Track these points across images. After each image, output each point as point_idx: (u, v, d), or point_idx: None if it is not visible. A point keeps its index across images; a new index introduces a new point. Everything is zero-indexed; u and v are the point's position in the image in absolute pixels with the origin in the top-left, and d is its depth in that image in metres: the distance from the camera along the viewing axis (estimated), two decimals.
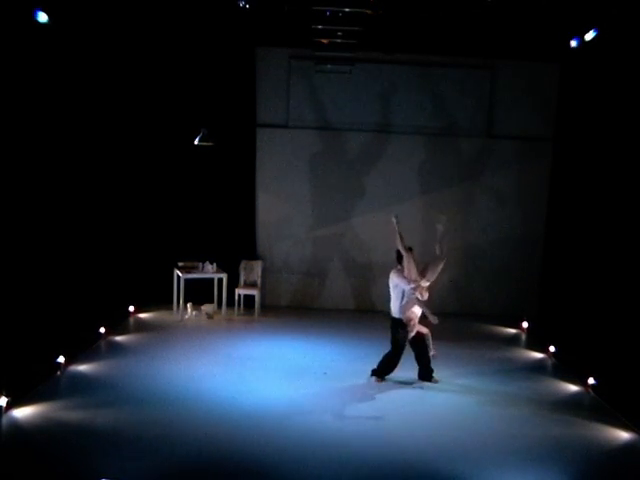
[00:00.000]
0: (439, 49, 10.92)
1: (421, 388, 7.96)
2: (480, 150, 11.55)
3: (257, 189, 11.57)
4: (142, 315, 10.76)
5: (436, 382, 8.09)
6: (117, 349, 9.03)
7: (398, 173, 11.58)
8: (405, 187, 11.61)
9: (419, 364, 8.14)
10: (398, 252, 8.04)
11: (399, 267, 8.01)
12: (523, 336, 10.52)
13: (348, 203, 11.66)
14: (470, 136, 11.52)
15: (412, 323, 7.88)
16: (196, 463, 5.87)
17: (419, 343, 8.04)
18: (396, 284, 7.92)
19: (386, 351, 8.10)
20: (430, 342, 8.04)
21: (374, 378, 8.10)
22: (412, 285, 7.79)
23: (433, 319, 7.72)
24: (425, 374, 8.12)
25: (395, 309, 7.96)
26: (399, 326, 7.92)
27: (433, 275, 7.98)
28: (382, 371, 8.10)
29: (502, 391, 7.98)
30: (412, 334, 7.94)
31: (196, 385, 7.72)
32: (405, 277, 7.86)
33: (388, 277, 8.09)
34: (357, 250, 11.76)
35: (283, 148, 11.52)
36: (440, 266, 8.03)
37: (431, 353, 8.06)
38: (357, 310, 11.62)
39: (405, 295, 7.83)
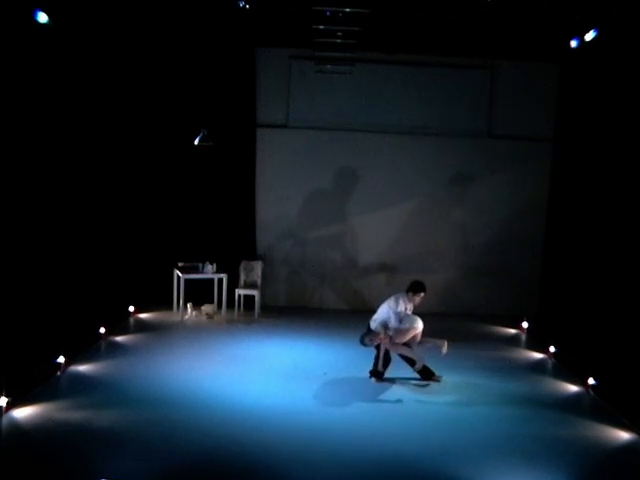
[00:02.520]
0: (439, 49, 10.93)
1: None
2: (480, 150, 11.56)
3: (257, 189, 11.58)
4: (142, 315, 10.77)
5: (438, 380, 8.09)
6: (117, 349, 9.03)
7: (398, 173, 11.59)
8: (405, 187, 11.62)
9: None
10: (413, 284, 8.08)
11: (403, 297, 8.03)
12: (523, 336, 10.52)
13: (348, 203, 11.67)
14: (470, 136, 11.52)
15: (379, 337, 7.90)
16: (196, 463, 5.86)
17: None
18: (388, 309, 7.96)
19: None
20: (386, 362, 8.08)
21: (373, 379, 8.10)
22: (396, 318, 7.86)
23: (380, 366, 8.02)
24: (425, 375, 8.12)
25: (376, 322, 8.02)
26: (369, 329, 8.05)
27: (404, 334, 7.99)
28: (377, 371, 8.10)
29: (502, 391, 7.97)
30: (372, 343, 7.97)
31: (196, 385, 7.71)
32: (399, 312, 7.92)
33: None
34: (357, 250, 11.77)
35: (283, 148, 11.53)
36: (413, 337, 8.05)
37: (380, 365, 8.07)
38: (357, 310, 11.60)
39: (390, 321, 7.89)
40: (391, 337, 7.90)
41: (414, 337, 7.99)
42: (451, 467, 5.96)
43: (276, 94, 11.40)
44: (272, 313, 11.22)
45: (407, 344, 8.00)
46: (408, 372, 8.17)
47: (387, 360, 8.11)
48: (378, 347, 8.04)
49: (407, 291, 8.10)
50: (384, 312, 8.01)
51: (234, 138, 11.25)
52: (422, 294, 8.07)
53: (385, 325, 7.91)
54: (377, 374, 8.11)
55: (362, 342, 8.06)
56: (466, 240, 11.73)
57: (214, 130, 10.42)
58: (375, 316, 8.09)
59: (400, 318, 7.88)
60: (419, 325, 7.94)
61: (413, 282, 8.16)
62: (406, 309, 8.01)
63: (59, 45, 8.27)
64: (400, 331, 7.87)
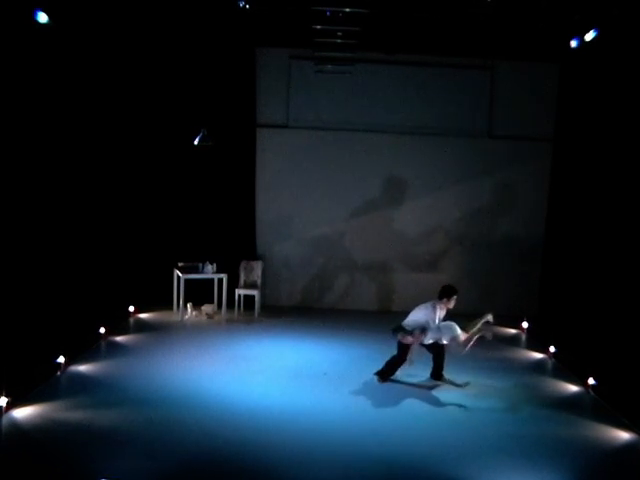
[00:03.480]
0: (439, 49, 10.93)
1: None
2: (480, 150, 11.56)
3: (257, 189, 11.58)
4: (142, 315, 10.77)
5: (445, 381, 8.11)
6: (117, 349, 9.03)
7: (398, 173, 11.60)
8: (405, 187, 11.63)
9: (434, 364, 8.19)
10: (445, 290, 8.07)
11: (439, 304, 8.01)
12: (523, 336, 10.52)
13: (348, 203, 11.67)
14: (470, 136, 11.53)
15: (411, 338, 7.89)
16: (196, 463, 5.86)
17: (434, 346, 8.08)
18: (424, 317, 7.95)
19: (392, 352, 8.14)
20: (400, 364, 8.07)
21: (376, 378, 8.08)
22: (435, 327, 7.89)
23: (409, 361, 7.97)
24: (437, 374, 8.17)
25: (410, 327, 7.98)
26: (403, 330, 7.97)
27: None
28: (384, 372, 8.10)
29: (502, 391, 7.97)
30: (402, 339, 7.94)
31: (196, 385, 7.71)
32: (437, 320, 7.94)
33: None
34: (357, 250, 11.77)
35: (283, 148, 11.54)
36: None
37: (408, 357, 8.06)
38: (357, 310, 11.61)
39: (429, 324, 7.89)
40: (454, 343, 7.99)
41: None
42: (451, 467, 5.96)
43: (276, 94, 11.40)
44: (272, 313, 11.23)
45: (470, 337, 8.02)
46: (409, 373, 8.18)
47: (395, 368, 8.08)
48: (400, 348, 8.01)
49: (440, 297, 8.06)
50: (419, 318, 7.96)
51: (234, 138, 11.26)
52: (455, 296, 8.06)
53: (423, 330, 7.87)
54: (382, 374, 8.09)
55: (394, 333, 8.01)
56: (466, 240, 11.73)
57: (214, 130, 10.43)
58: (407, 321, 8.02)
59: (438, 327, 7.88)
60: (458, 331, 7.95)
61: (444, 287, 8.14)
62: (441, 316, 8.02)
63: (59, 45, 8.26)
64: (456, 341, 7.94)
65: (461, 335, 7.94)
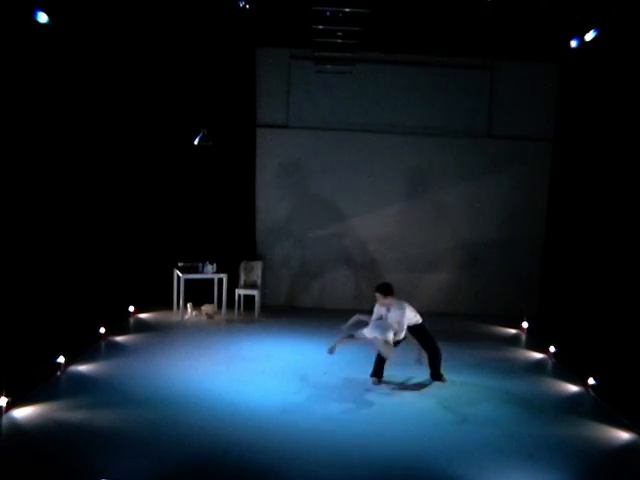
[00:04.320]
0: (439, 49, 10.93)
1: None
2: (480, 150, 11.56)
3: (257, 189, 11.58)
4: (142, 315, 10.77)
5: (445, 381, 8.10)
6: (117, 349, 9.03)
7: (398, 173, 11.61)
8: (405, 187, 11.63)
9: (430, 366, 8.16)
10: (388, 287, 8.01)
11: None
12: (523, 336, 10.52)
13: (348, 203, 11.67)
14: (470, 136, 11.53)
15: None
16: (196, 463, 5.86)
17: (430, 346, 8.08)
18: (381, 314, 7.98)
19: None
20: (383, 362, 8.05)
21: (373, 379, 8.08)
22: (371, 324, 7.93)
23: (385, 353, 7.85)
24: (436, 375, 8.15)
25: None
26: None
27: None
28: (376, 372, 8.10)
29: (502, 391, 7.96)
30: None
31: (196, 385, 7.71)
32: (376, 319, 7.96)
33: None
34: (357, 250, 11.77)
35: (283, 148, 11.54)
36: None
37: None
38: (357, 310, 11.57)
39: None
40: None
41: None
42: (451, 467, 5.95)
43: (276, 94, 11.40)
44: (272, 313, 11.23)
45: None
46: (407, 374, 8.18)
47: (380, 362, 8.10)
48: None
49: (385, 291, 8.03)
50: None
51: (234, 138, 11.26)
52: (384, 296, 7.93)
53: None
54: (376, 374, 8.09)
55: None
56: (466, 240, 11.73)
57: (214, 130, 10.43)
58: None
59: (377, 324, 7.86)
60: (385, 338, 7.73)
61: (378, 284, 8.16)
62: (386, 313, 7.95)
63: (59, 45, 8.26)
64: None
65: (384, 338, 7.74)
